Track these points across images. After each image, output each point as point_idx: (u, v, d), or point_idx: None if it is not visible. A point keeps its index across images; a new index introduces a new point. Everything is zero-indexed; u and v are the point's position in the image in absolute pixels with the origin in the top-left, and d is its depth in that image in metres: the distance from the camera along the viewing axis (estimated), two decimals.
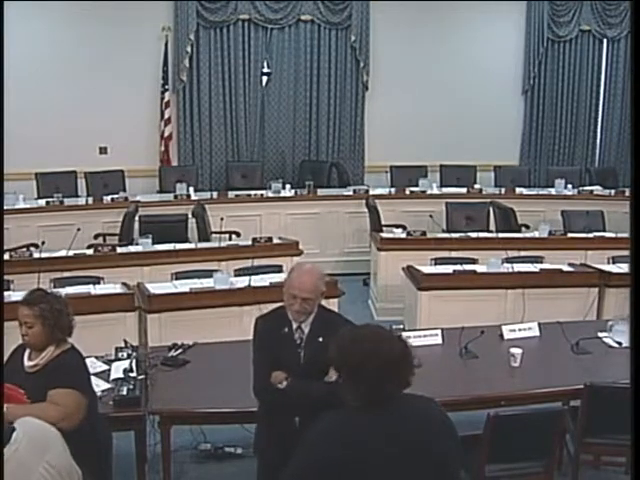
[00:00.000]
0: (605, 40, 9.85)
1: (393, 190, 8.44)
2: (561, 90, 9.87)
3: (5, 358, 3.19)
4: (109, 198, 7.69)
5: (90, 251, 6.26)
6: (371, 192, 8.17)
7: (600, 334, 4.65)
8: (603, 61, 9.92)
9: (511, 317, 5.52)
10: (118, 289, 5.32)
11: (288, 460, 2.75)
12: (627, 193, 7.89)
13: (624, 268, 5.84)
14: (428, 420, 2.31)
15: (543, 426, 3.58)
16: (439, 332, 4.52)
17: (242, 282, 5.40)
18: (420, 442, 2.23)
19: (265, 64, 9.19)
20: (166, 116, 8.77)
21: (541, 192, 8.60)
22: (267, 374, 3.17)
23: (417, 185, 8.46)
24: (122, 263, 6.08)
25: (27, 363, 3.08)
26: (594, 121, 10.02)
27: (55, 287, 5.26)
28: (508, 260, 6.04)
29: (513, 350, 4.25)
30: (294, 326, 3.21)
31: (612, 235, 7.02)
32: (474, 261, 6.18)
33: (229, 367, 4.08)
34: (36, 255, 5.91)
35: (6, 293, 4.89)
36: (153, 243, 6.35)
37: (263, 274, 5.58)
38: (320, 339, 3.16)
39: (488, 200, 7.98)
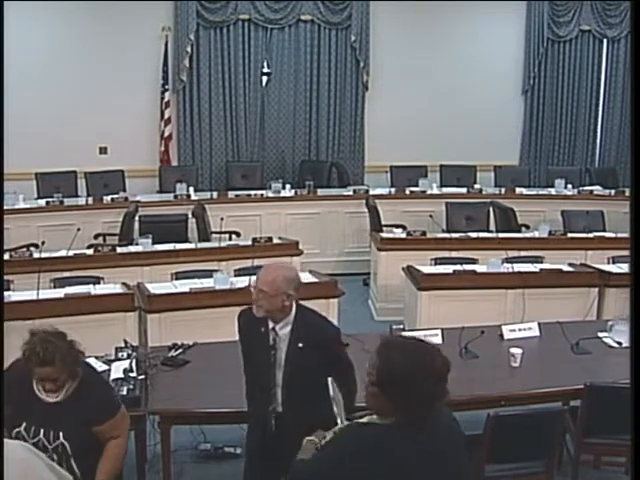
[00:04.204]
0: (605, 40, 9.85)
1: (393, 190, 8.44)
2: (561, 90, 9.87)
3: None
4: (109, 198, 7.69)
5: (90, 251, 6.26)
6: (371, 192, 8.17)
7: (600, 334, 4.65)
8: (603, 61, 9.92)
9: (511, 317, 5.52)
10: (118, 289, 5.31)
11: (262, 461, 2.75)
12: (627, 193, 7.89)
13: (624, 268, 5.84)
14: (450, 432, 2.27)
15: (543, 426, 3.58)
16: (439, 332, 4.50)
17: (242, 282, 5.39)
18: (443, 456, 2.19)
19: (265, 64, 9.18)
20: (166, 116, 8.76)
21: (541, 192, 8.59)
22: (246, 368, 3.25)
23: (417, 185, 8.45)
24: (122, 263, 6.08)
25: (43, 395, 2.94)
26: (594, 121, 10.02)
27: (55, 287, 5.27)
28: (508, 260, 6.03)
29: (513, 350, 4.25)
30: (270, 326, 3.18)
31: (612, 235, 7.02)
32: (474, 261, 6.18)
33: (229, 367, 4.06)
34: (36, 255, 5.91)
35: (6, 293, 4.90)
36: (153, 243, 6.35)
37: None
38: (300, 345, 3.13)
39: (488, 200, 7.97)
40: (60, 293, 5.11)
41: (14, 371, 3.00)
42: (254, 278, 3.20)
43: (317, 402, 3.10)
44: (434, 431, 2.19)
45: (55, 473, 2.70)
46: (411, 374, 2.08)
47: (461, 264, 6.02)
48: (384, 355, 2.14)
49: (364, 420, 2.25)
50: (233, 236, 7.20)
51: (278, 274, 3.12)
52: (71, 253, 5.98)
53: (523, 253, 6.50)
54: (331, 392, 2.72)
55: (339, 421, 2.60)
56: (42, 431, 2.92)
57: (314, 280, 5.65)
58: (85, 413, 2.92)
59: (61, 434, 2.91)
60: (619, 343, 4.52)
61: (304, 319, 3.18)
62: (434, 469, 2.17)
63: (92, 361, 3.90)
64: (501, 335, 4.63)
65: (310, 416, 3.08)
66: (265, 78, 9.21)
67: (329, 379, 2.82)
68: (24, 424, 2.93)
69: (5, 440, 2.61)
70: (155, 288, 5.32)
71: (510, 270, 5.86)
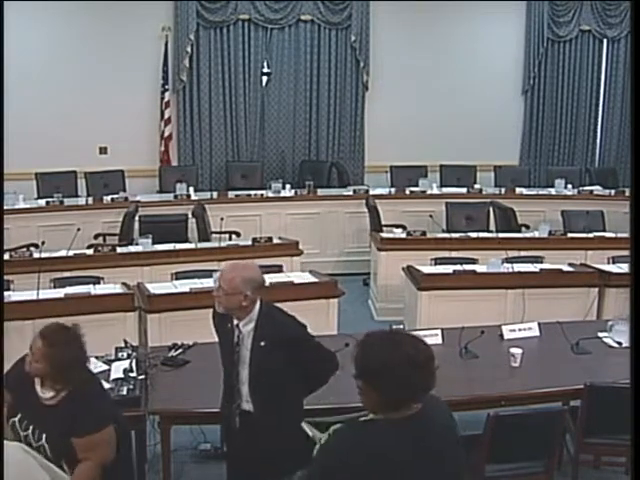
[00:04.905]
0: (605, 40, 9.86)
1: (393, 190, 8.44)
2: (561, 90, 9.88)
3: (8, 365, 3.13)
4: (109, 198, 7.69)
5: (90, 251, 6.26)
6: (371, 192, 8.17)
7: (600, 334, 4.64)
8: (603, 61, 9.93)
9: (511, 317, 5.52)
10: (118, 289, 5.31)
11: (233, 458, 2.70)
12: (627, 193, 7.89)
13: (624, 268, 5.84)
14: (444, 427, 2.28)
15: (543, 426, 3.58)
16: (439, 332, 4.50)
17: None
18: (439, 452, 2.20)
19: (265, 64, 9.19)
20: (166, 116, 8.77)
21: (541, 192, 8.59)
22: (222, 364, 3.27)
23: (417, 185, 8.45)
24: (122, 263, 6.08)
25: (42, 394, 2.96)
26: (594, 121, 10.03)
27: (55, 287, 5.27)
28: (508, 260, 6.03)
29: (513, 350, 4.25)
30: (234, 323, 3.18)
31: (612, 235, 7.01)
32: (474, 261, 6.18)
33: None
34: (36, 255, 5.90)
35: (6, 293, 4.89)
36: (153, 243, 6.35)
37: (263, 274, 5.55)
38: (262, 343, 3.11)
39: (488, 200, 7.97)
40: (60, 293, 5.11)
41: (22, 364, 3.02)
42: (220, 275, 3.23)
43: (286, 404, 3.10)
44: (429, 429, 2.20)
45: (50, 473, 2.70)
46: (388, 361, 2.12)
47: (461, 264, 6.01)
48: (362, 346, 2.19)
49: (360, 419, 2.26)
50: (233, 236, 7.20)
51: (237, 274, 3.11)
52: (71, 253, 5.98)
53: (523, 253, 6.49)
54: (310, 433, 2.73)
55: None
56: (31, 428, 2.94)
57: (314, 280, 5.65)
58: (69, 422, 2.89)
59: (44, 436, 2.91)
60: (619, 343, 4.52)
61: (268, 317, 3.16)
62: (431, 467, 2.17)
63: (92, 361, 3.91)
64: (501, 335, 4.63)
65: (279, 417, 3.08)
66: (265, 78, 9.21)
67: (303, 424, 2.81)
68: (19, 415, 2.96)
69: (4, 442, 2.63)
70: (155, 288, 5.32)
71: (510, 270, 5.86)
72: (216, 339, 3.40)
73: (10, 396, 3.00)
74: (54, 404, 2.93)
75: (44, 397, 2.94)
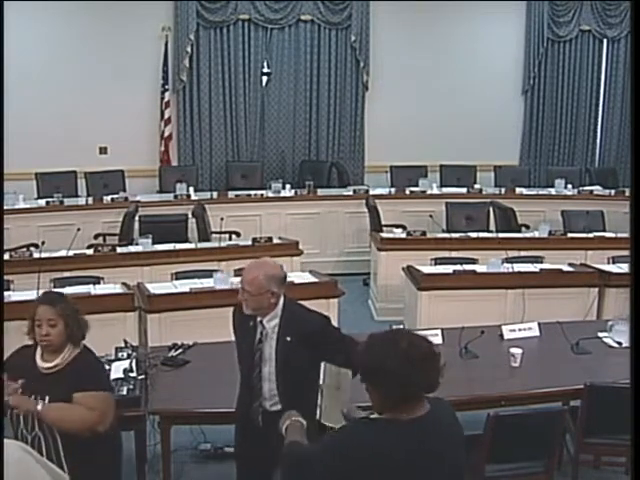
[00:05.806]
0: (605, 40, 9.85)
1: (393, 190, 8.44)
2: (561, 90, 9.88)
3: (6, 358, 3.15)
4: (109, 198, 7.69)
5: (90, 251, 6.26)
6: (371, 192, 8.17)
7: (600, 334, 4.65)
8: (603, 61, 9.92)
9: (511, 317, 5.52)
10: (118, 289, 5.31)
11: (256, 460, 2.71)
12: (627, 193, 7.89)
13: (624, 268, 5.85)
14: (450, 431, 2.28)
15: (543, 426, 3.58)
16: (439, 332, 4.49)
17: None
18: (441, 454, 2.20)
19: (265, 64, 9.18)
20: (166, 116, 8.77)
21: (541, 192, 8.59)
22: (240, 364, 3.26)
23: (417, 185, 8.45)
24: (122, 263, 6.09)
25: (42, 364, 3.01)
26: (594, 121, 10.02)
27: (55, 287, 5.27)
28: (508, 260, 6.03)
29: (513, 350, 4.25)
30: (258, 319, 3.17)
31: (612, 235, 7.02)
32: (474, 261, 6.18)
33: (229, 367, 4.05)
34: (36, 255, 5.91)
35: (6, 293, 4.89)
36: (153, 243, 6.35)
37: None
38: (288, 338, 3.11)
39: (488, 200, 7.97)
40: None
41: (23, 349, 3.12)
42: (242, 278, 3.19)
43: (312, 399, 3.08)
44: (435, 432, 2.20)
45: (47, 470, 2.70)
46: (386, 359, 2.12)
47: (461, 264, 6.02)
48: (364, 347, 2.21)
49: (365, 418, 2.27)
50: (233, 236, 7.20)
51: (259, 272, 3.09)
52: (71, 253, 5.98)
53: (523, 253, 6.50)
54: (321, 380, 2.71)
55: (319, 412, 2.60)
56: (32, 398, 2.94)
57: (314, 280, 5.66)
58: (72, 385, 2.94)
59: (47, 399, 2.93)
60: (619, 343, 4.52)
61: (291, 313, 3.17)
62: (432, 469, 2.17)
63: None
64: (501, 335, 4.64)
65: (305, 413, 3.06)
66: (265, 78, 9.21)
67: (322, 364, 2.80)
68: (19, 392, 2.96)
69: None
70: (155, 288, 5.32)
71: (510, 270, 5.86)
72: (230, 339, 3.38)
73: (9, 376, 3.01)
74: (58, 370, 2.98)
75: (46, 367, 3.00)
